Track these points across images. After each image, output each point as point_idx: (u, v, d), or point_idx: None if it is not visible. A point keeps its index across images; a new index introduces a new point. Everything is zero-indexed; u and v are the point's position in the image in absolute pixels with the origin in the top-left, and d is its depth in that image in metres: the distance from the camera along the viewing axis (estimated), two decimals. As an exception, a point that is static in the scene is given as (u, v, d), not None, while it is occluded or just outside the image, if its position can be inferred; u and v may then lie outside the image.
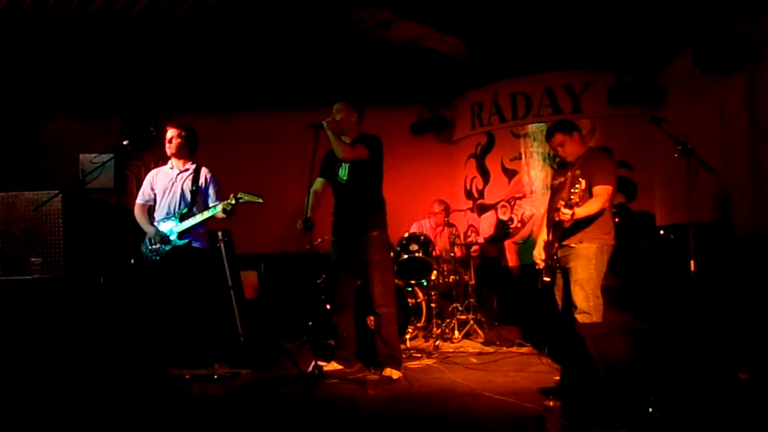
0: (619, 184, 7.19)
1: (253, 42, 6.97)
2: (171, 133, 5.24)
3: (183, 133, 5.24)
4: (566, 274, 4.85)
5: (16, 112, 8.53)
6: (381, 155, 5.17)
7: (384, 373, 4.96)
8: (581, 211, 4.50)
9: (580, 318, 4.65)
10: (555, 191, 5.05)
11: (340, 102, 5.21)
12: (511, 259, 8.10)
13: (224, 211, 5.03)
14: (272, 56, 7.45)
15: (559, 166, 5.28)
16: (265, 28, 6.57)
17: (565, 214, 4.46)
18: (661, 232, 6.04)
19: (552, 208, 4.97)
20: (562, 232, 4.76)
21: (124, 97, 8.55)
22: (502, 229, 8.29)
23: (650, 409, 3.29)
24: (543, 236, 5.09)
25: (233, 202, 5.02)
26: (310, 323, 6.67)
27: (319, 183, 5.39)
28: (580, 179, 4.38)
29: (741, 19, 5.84)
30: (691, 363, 3.60)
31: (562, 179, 4.95)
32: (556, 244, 4.84)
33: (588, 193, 4.64)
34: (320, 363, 5.07)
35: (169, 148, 5.25)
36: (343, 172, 5.21)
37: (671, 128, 5.25)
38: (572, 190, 4.38)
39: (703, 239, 5.06)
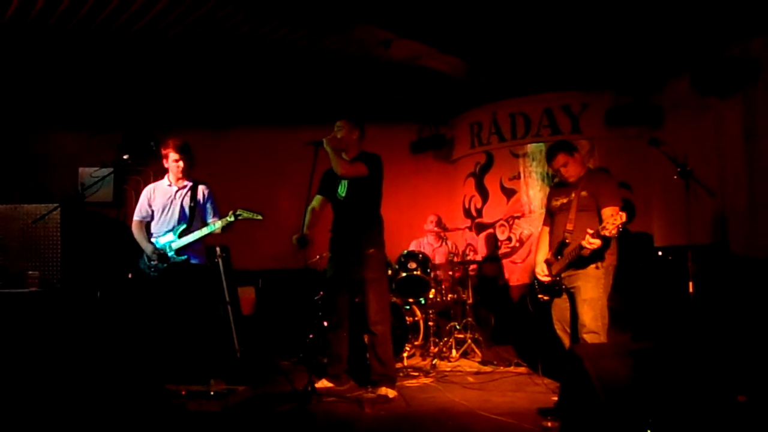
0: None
1: (252, 59, 7.01)
2: (173, 156, 5.26)
3: (184, 155, 5.27)
4: (571, 294, 4.82)
5: (16, 126, 8.54)
6: (381, 174, 5.19)
7: (379, 392, 4.94)
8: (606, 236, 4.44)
9: (588, 338, 4.62)
10: (557, 211, 5.00)
11: (341, 119, 5.24)
12: (513, 279, 8.08)
13: (223, 226, 5.05)
14: (272, 73, 7.50)
15: (556, 185, 5.27)
16: (265, 45, 6.62)
17: (593, 243, 4.40)
18: (660, 253, 6.04)
19: (558, 229, 4.92)
20: (577, 259, 4.67)
21: (124, 112, 8.56)
22: (493, 245, 8.30)
23: (649, 431, 3.28)
24: (542, 254, 5.07)
25: (232, 219, 5.03)
26: (309, 338, 6.65)
27: (317, 200, 5.41)
28: (619, 211, 4.31)
29: (737, 40, 5.89)
30: (690, 385, 3.59)
31: (565, 200, 4.93)
32: (563, 264, 4.79)
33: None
34: (313, 380, 5.09)
35: (177, 172, 5.28)
36: (342, 189, 5.23)
37: (670, 150, 5.27)
38: (611, 221, 4.26)
39: (701, 261, 5.06)
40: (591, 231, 4.41)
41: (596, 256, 4.63)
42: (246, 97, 8.37)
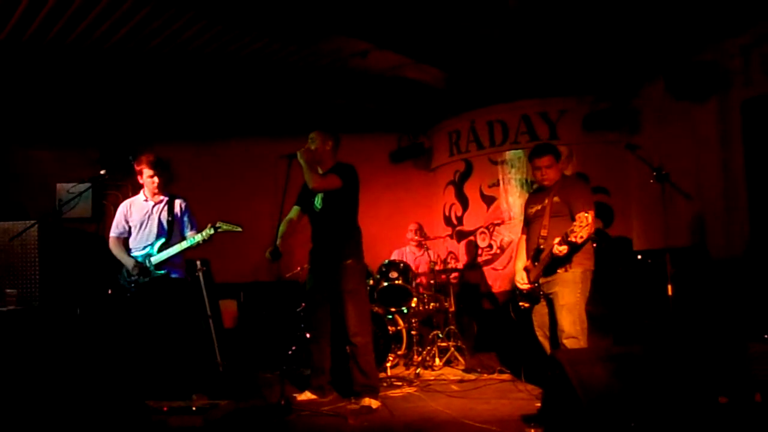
0: (596, 209, 7.32)
1: (229, 72, 7.01)
2: (147, 173, 5.23)
3: (157, 170, 5.23)
4: (549, 300, 4.85)
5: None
6: (356, 184, 5.19)
7: (363, 403, 4.92)
8: (577, 242, 4.46)
9: (567, 343, 4.64)
10: (532, 218, 5.04)
11: (314, 131, 5.24)
12: (495, 286, 8.09)
13: (201, 239, 5.03)
14: (249, 86, 7.49)
15: (532, 193, 5.30)
16: (241, 58, 6.62)
17: (562, 251, 4.47)
18: (639, 257, 6.09)
19: (534, 235, 4.96)
20: (551, 263, 4.71)
21: (101, 127, 8.51)
22: (474, 253, 8.33)
23: (631, 435, 3.30)
24: (521, 262, 5.10)
25: (212, 231, 5.01)
26: (291, 350, 6.62)
27: (294, 212, 5.41)
28: (587, 212, 4.36)
29: (709, 44, 5.97)
30: (671, 387, 3.61)
31: (539, 207, 4.97)
32: (540, 273, 4.83)
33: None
34: (294, 394, 5.13)
35: (152, 187, 5.26)
36: (318, 201, 5.22)
37: (646, 154, 5.33)
38: (578, 225, 4.33)
39: (680, 263, 5.10)
40: (558, 238, 4.47)
41: (570, 261, 4.69)
42: (225, 110, 8.36)
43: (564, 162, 7.27)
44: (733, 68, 5.79)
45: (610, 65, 6.92)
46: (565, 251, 4.49)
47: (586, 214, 4.35)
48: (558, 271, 4.75)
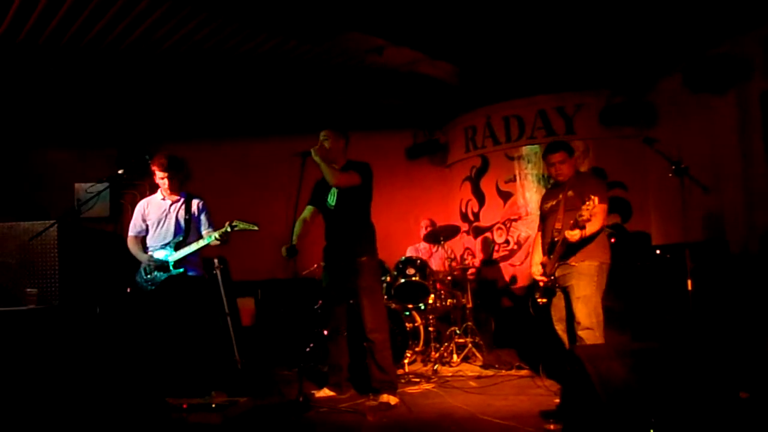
0: (614, 204, 7.29)
1: (244, 71, 7.02)
2: (159, 175, 5.26)
3: (169, 172, 5.24)
4: (566, 292, 4.87)
5: (10, 143, 8.54)
6: (371, 181, 5.20)
7: (381, 399, 4.93)
8: (587, 231, 4.55)
9: (583, 335, 4.68)
10: (547, 214, 5.10)
11: (326, 129, 5.24)
12: (512, 282, 8.06)
13: (219, 238, 5.04)
14: (264, 85, 7.50)
15: (548, 190, 5.35)
16: (256, 57, 6.63)
17: (573, 235, 4.55)
18: (657, 251, 6.03)
19: (548, 230, 5.01)
20: (565, 251, 4.78)
21: (118, 127, 8.57)
22: (491, 249, 8.30)
23: (651, 430, 3.27)
24: (538, 257, 5.11)
25: (228, 230, 5.02)
26: (309, 347, 6.63)
27: (308, 211, 5.42)
28: (592, 196, 4.41)
29: (727, 38, 5.91)
30: (691, 383, 3.59)
31: (554, 202, 5.03)
32: (556, 264, 4.86)
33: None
34: (312, 390, 5.16)
35: (164, 188, 5.31)
36: (332, 199, 5.23)
37: (664, 148, 5.28)
38: (584, 208, 4.41)
39: (699, 258, 5.07)
40: (572, 222, 4.56)
41: (586, 251, 4.75)
42: (241, 108, 8.39)
43: (579, 158, 7.28)
44: (753, 60, 5.72)
45: (626, 59, 6.86)
46: (578, 236, 4.55)
47: (594, 197, 4.40)
48: (574, 263, 4.77)
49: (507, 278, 8.13)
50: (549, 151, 5.10)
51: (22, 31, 5.79)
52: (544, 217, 5.16)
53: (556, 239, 4.83)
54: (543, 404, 4.67)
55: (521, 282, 7.85)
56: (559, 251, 4.79)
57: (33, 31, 5.81)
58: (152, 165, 5.27)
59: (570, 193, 4.89)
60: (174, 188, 5.31)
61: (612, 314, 4.90)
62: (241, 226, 5.03)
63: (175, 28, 5.92)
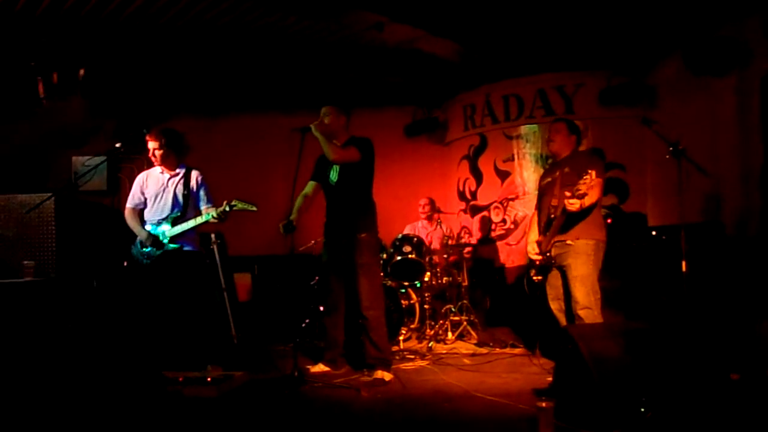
0: (612, 185, 7.29)
1: (243, 46, 6.98)
2: (152, 145, 5.21)
3: (163, 142, 5.20)
4: (563, 271, 4.89)
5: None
6: (372, 158, 5.18)
7: (376, 376, 4.97)
8: (585, 201, 4.56)
9: (582, 314, 4.71)
10: (544, 191, 5.11)
11: (327, 106, 5.22)
12: (508, 261, 8.09)
13: (217, 216, 5.05)
14: (263, 60, 7.46)
15: (550, 166, 5.34)
16: (256, 32, 6.58)
17: (573, 204, 4.53)
18: (653, 232, 6.06)
19: (545, 207, 5.01)
20: (561, 226, 4.78)
21: (117, 100, 8.53)
22: (488, 227, 8.33)
23: (642, 410, 3.31)
24: (534, 235, 5.12)
25: (227, 209, 5.02)
26: (305, 323, 6.67)
27: (310, 186, 5.41)
28: (589, 170, 4.42)
29: (729, 21, 5.88)
30: (683, 363, 3.62)
31: (550, 179, 5.04)
32: (553, 241, 4.87)
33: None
34: (308, 366, 5.20)
35: (154, 160, 5.26)
36: (334, 175, 5.22)
37: (662, 129, 5.28)
38: (581, 182, 4.41)
39: (695, 240, 5.08)
40: (569, 193, 4.54)
41: (581, 229, 4.77)
42: (240, 84, 8.34)
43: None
44: (754, 43, 5.69)
45: (628, 39, 6.83)
46: (577, 205, 4.53)
47: (591, 170, 4.41)
48: (570, 241, 4.79)
49: (503, 257, 8.16)
50: (552, 123, 5.18)
51: (19, 1, 5.74)
52: (542, 194, 5.17)
53: (552, 216, 4.84)
54: (536, 382, 4.71)
55: (517, 261, 7.87)
56: (556, 227, 4.80)
57: (29, 2, 5.76)
58: (147, 138, 5.24)
59: (566, 169, 4.89)
60: (168, 163, 5.27)
61: (607, 294, 4.92)
62: (240, 206, 5.03)
63: (172, 0, 5.87)
